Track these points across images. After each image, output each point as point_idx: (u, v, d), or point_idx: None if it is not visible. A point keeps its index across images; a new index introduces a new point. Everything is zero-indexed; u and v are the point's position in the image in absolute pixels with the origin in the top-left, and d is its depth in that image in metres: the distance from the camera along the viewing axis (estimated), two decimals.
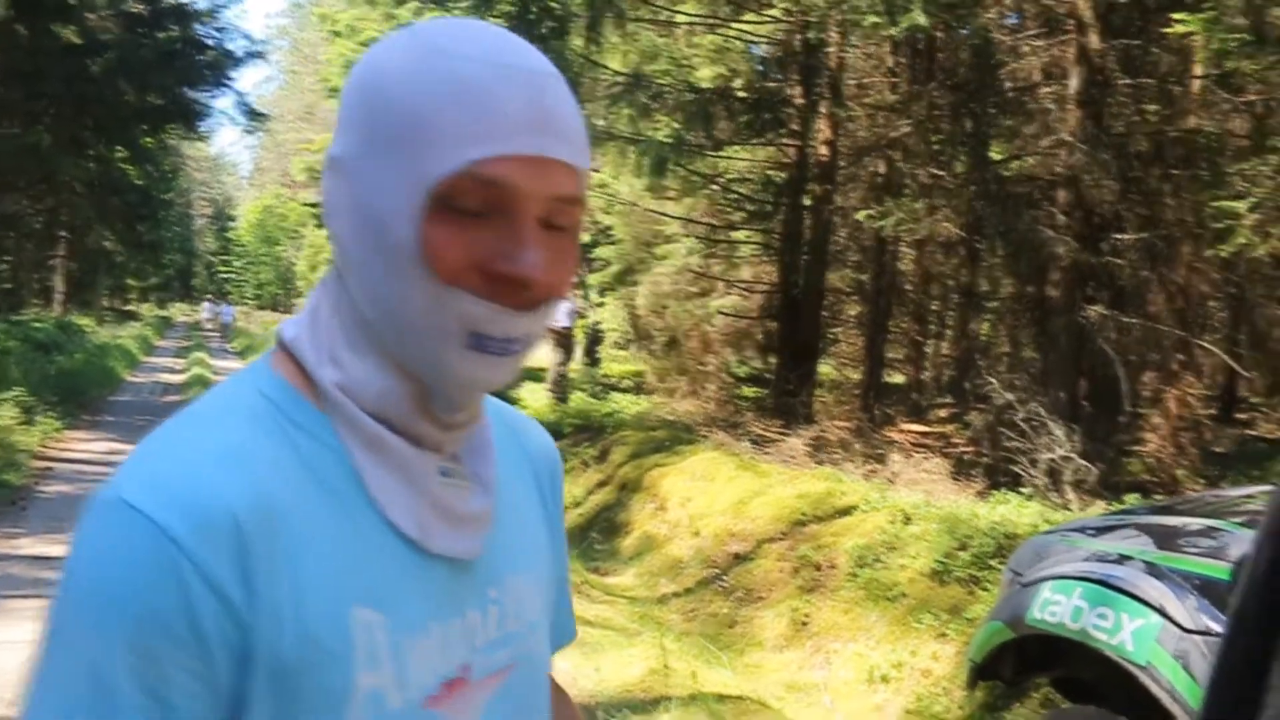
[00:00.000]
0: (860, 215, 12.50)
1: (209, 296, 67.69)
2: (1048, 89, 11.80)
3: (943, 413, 17.61)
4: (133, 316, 50.25)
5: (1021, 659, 3.40)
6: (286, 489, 0.81)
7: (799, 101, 14.25)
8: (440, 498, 0.88)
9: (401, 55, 0.83)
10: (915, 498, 8.29)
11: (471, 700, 0.89)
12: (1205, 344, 11.26)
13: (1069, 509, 8.25)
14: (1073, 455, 8.68)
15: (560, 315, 16.18)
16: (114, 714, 0.74)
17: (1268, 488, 3.81)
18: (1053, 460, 8.72)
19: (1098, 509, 8.10)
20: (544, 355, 17.44)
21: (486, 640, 0.91)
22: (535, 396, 17.51)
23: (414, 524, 0.86)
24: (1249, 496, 3.51)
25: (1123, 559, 3.01)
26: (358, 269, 0.85)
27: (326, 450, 0.85)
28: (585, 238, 21.90)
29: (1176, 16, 8.56)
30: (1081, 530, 3.47)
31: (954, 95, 12.79)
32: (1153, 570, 2.88)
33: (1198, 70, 11.39)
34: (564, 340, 16.76)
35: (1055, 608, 3.04)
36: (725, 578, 7.83)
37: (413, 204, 0.80)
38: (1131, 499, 8.32)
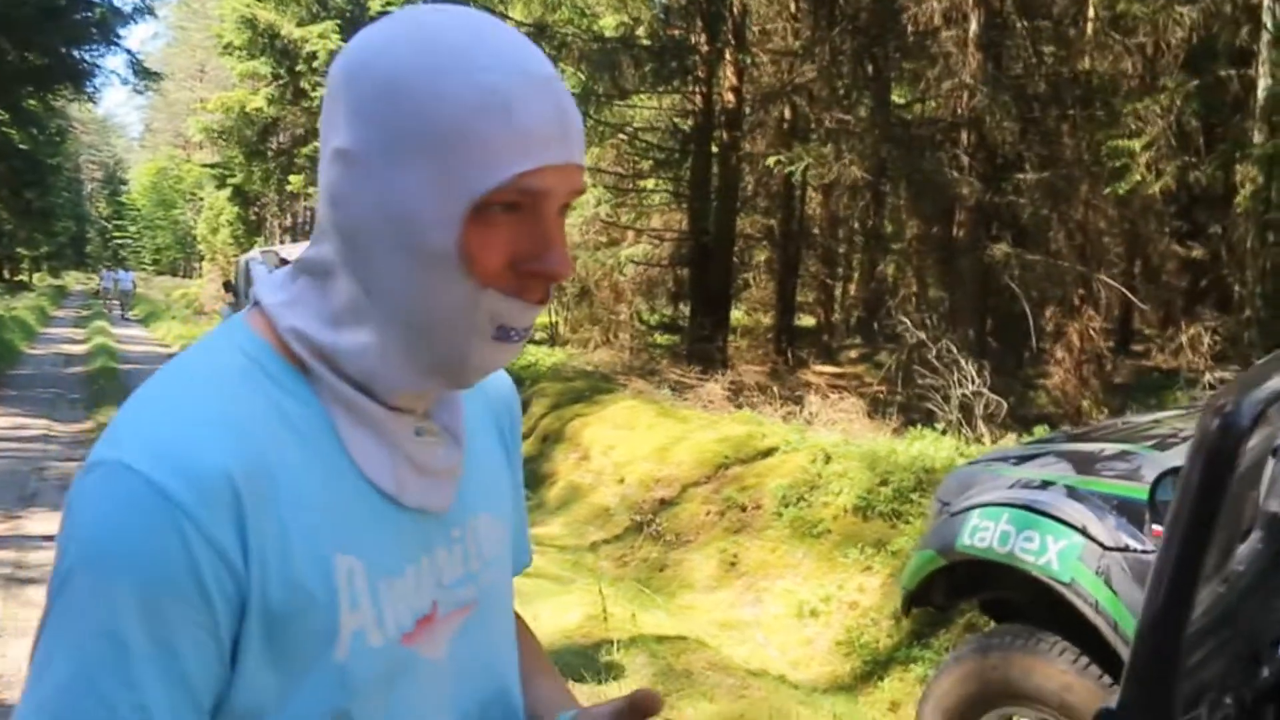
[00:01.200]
0: (770, 161, 12.63)
1: (105, 264, 65.52)
2: (949, 33, 12.01)
3: (853, 354, 17.97)
4: (25, 287, 48.60)
5: (951, 584, 3.57)
6: (274, 447, 0.86)
7: (704, 49, 14.28)
8: (415, 455, 0.93)
9: (417, 54, 0.85)
10: (834, 437, 8.51)
11: (437, 634, 0.95)
12: (1105, 279, 11.64)
13: (981, 442, 8.54)
14: (983, 390, 8.97)
15: None
16: (129, 665, 0.79)
17: (1173, 413, 4.03)
18: (964, 396, 9.00)
19: (1009, 441, 8.39)
20: None
21: (453, 577, 0.98)
22: None
23: (390, 480, 0.91)
24: (1156, 421, 3.70)
25: (1045, 484, 3.17)
26: (373, 263, 0.88)
27: (307, 409, 0.89)
28: None
29: None
30: (1003, 460, 3.65)
31: (856, 40, 12.93)
32: (1073, 494, 3.05)
33: (1091, 13, 11.68)
34: None
35: (984, 533, 3.20)
36: (653, 523, 7.97)
37: (452, 212, 0.84)
38: (1040, 430, 8.64)
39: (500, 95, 0.84)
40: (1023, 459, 3.53)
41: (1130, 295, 11.38)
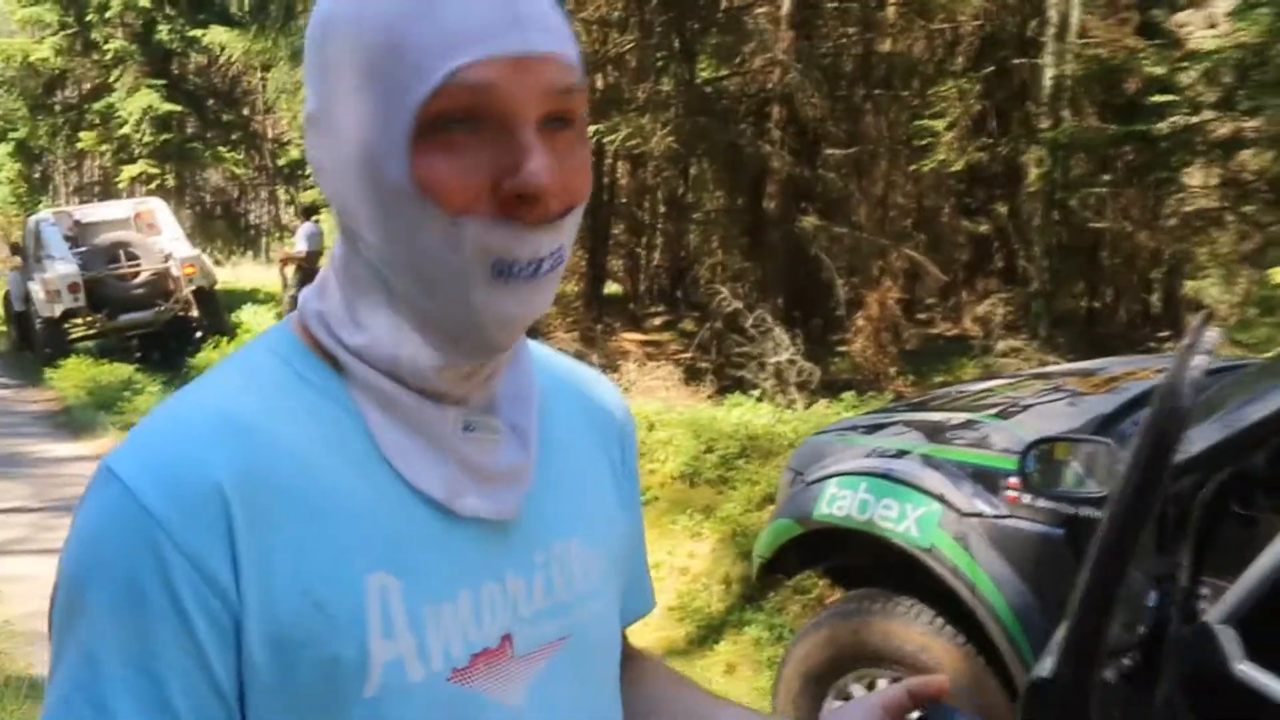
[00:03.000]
0: (590, 129, 12.62)
1: None
2: (762, 9, 12.27)
3: (657, 321, 18.23)
4: None
5: (803, 552, 3.69)
6: (292, 450, 0.78)
7: None
8: (466, 454, 0.82)
9: None
10: (656, 404, 8.64)
11: (510, 675, 0.83)
12: (909, 251, 12.19)
13: (794, 408, 8.84)
14: (797, 358, 9.27)
15: (299, 239, 14.74)
16: (100, 686, 0.73)
17: (1002, 381, 4.26)
18: (779, 364, 9.28)
19: (821, 407, 8.72)
20: (277, 279, 16.43)
21: (533, 610, 0.86)
22: (260, 320, 16.60)
23: (439, 485, 0.81)
24: (988, 390, 3.91)
25: (901, 453, 3.32)
26: (363, 225, 0.79)
27: (340, 410, 0.81)
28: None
29: None
30: (853, 429, 3.79)
31: (669, 13, 13.05)
32: (929, 462, 3.20)
33: None
34: (305, 264, 14.89)
35: (842, 502, 3.32)
36: None
37: (400, 136, 0.75)
38: (849, 396, 9.01)
39: None
40: (872, 428, 3.68)
41: (931, 267, 11.95)
